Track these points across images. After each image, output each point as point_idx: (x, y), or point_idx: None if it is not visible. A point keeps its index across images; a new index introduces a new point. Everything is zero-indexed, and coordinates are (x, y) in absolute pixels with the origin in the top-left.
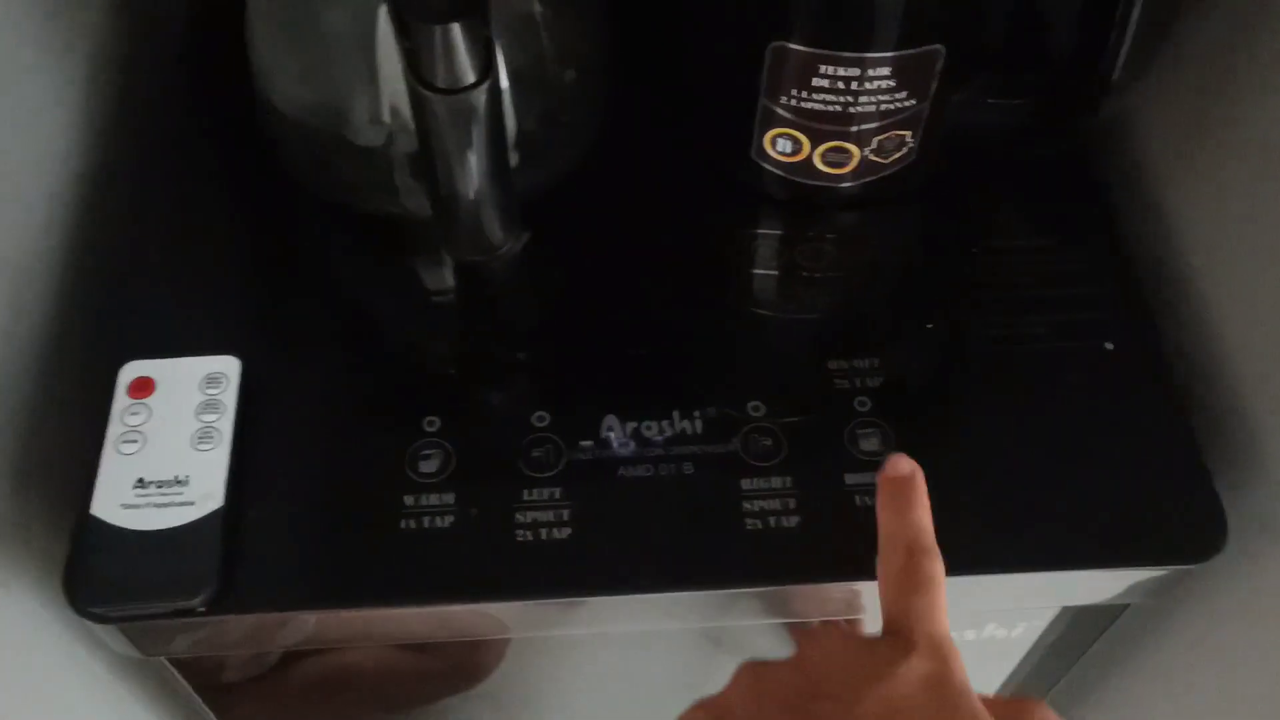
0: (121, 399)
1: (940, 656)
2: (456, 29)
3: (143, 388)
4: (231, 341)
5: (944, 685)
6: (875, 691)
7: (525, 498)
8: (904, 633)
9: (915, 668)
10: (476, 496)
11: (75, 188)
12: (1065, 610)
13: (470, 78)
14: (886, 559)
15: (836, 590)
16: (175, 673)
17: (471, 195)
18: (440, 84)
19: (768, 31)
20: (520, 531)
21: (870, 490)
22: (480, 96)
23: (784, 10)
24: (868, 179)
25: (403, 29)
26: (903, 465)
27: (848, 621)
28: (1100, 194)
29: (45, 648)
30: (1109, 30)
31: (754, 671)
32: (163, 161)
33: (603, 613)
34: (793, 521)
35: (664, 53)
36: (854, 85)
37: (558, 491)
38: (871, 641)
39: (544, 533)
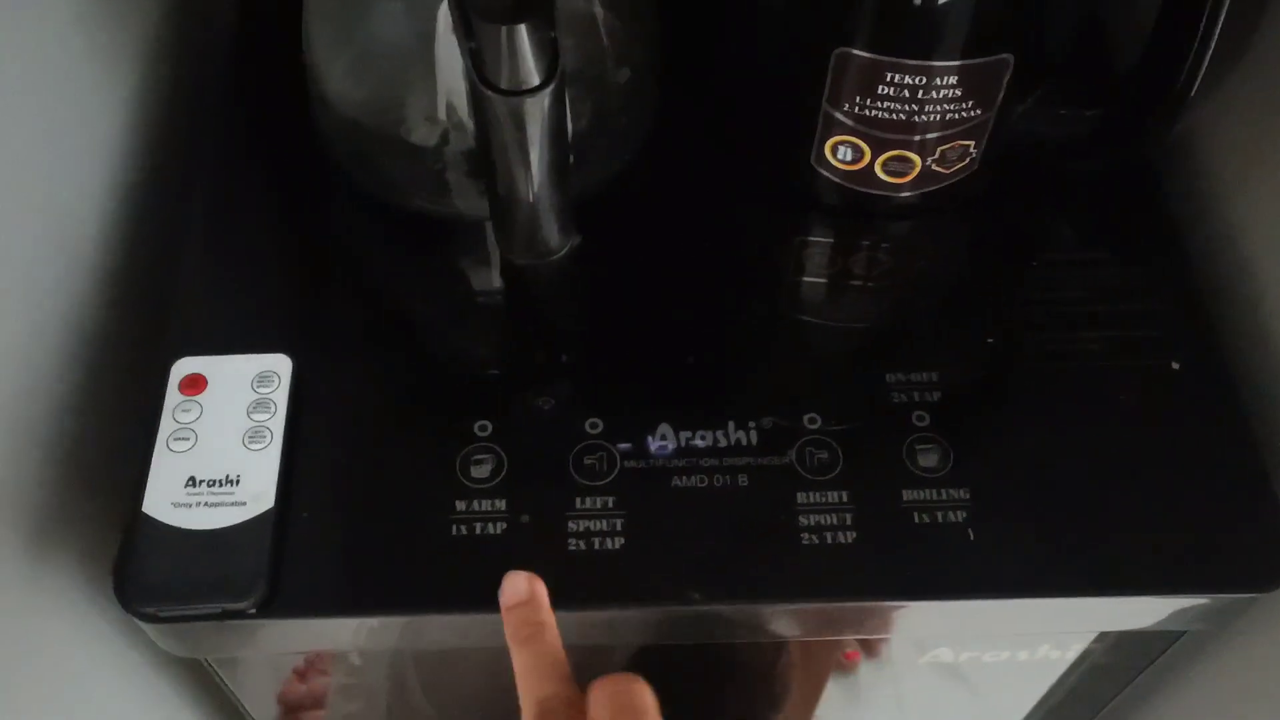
0: (173, 395)
1: None
2: (522, 29)
3: (194, 384)
4: (282, 340)
5: None
6: None
7: (578, 506)
8: None
9: None
10: (528, 503)
11: (128, 182)
12: (1116, 634)
13: (535, 80)
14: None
15: (893, 609)
16: (218, 672)
17: (530, 198)
18: (504, 85)
19: (832, 38)
20: (573, 540)
21: (929, 507)
22: (544, 99)
23: (849, 17)
24: (926, 189)
25: (466, 28)
26: (519, 585)
27: None
28: (1163, 207)
29: (88, 644)
30: (1184, 41)
31: None
32: (214, 159)
33: (656, 625)
34: (849, 537)
35: (714, 57)
36: (920, 94)
37: (611, 500)
38: None
39: (597, 542)
